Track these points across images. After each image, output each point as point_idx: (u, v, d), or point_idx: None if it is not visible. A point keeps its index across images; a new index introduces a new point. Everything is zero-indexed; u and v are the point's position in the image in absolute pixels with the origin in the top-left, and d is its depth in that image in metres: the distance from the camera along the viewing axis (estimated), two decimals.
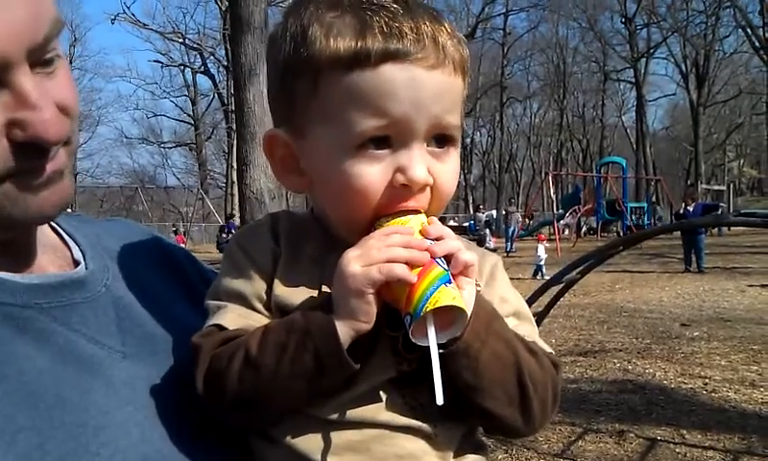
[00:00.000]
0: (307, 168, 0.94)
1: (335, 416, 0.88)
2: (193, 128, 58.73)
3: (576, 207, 31.75)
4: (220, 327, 0.91)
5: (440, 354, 0.81)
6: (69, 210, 1.04)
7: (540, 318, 4.07)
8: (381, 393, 0.89)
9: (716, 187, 45.11)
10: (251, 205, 8.25)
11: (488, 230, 29.61)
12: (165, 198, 59.23)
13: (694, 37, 47.67)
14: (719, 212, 20.76)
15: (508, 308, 0.99)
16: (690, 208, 19.09)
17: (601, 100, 62.36)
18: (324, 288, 0.91)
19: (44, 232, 0.98)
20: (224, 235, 28.44)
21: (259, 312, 0.93)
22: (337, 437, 0.88)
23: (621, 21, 53.32)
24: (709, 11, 46.57)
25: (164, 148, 63.81)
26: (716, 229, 27.99)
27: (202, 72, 53.77)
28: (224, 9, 34.37)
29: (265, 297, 0.93)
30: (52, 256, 0.97)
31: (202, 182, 54.97)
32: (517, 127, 68.40)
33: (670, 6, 48.82)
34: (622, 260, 16.87)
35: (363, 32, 0.84)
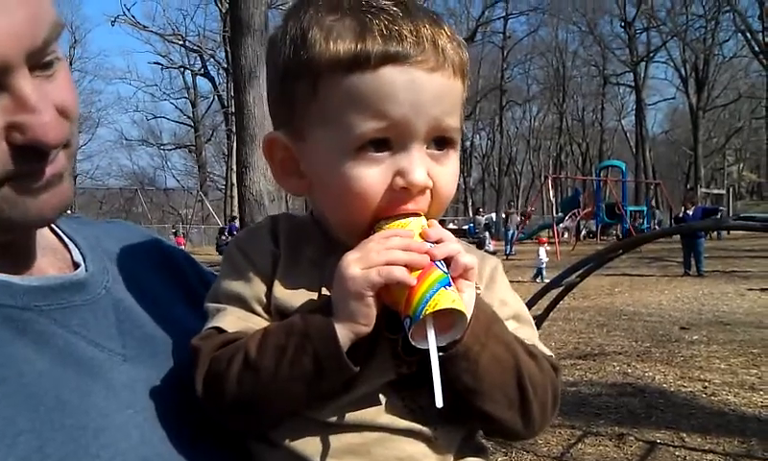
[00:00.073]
0: (307, 171, 0.94)
1: (335, 419, 0.88)
2: (193, 130, 58.80)
3: (575, 211, 31.82)
4: (219, 330, 0.91)
5: (439, 357, 0.81)
6: (69, 212, 1.04)
7: (539, 321, 4.07)
8: (381, 396, 0.89)
9: (716, 191, 45.14)
10: (250, 207, 8.26)
11: (487, 233, 29.62)
12: (165, 200, 59.23)
13: (694, 42, 47.78)
14: (719, 216, 20.79)
15: (508, 311, 0.99)
16: (690, 212, 19.11)
17: (600, 104, 62.51)
18: (324, 291, 0.91)
19: (44, 234, 0.98)
20: (223, 237, 28.46)
21: (259, 315, 0.93)
22: (337, 440, 0.88)
23: (621, 25, 53.50)
24: (709, 15, 46.70)
25: (164, 150, 63.98)
26: (716, 232, 28.03)
27: (202, 74, 53.92)
28: (224, 11, 34.45)
29: (264, 299, 0.93)
30: (52, 259, 0.97)
31: (201, 185, 55.02)
32: (517, 130, 68.61)
33: (670, 10, 49.02)
34: (622, 264, 16.87)
35: (363, 34, 0.84)
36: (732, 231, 27.87)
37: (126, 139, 64.67)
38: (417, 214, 0.90)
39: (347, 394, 0.87)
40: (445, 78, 0.88)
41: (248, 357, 0.86)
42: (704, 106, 47.69)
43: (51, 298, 0.88)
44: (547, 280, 6.55)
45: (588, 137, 65.65)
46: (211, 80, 53.38)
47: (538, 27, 59.39)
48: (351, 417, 0.88)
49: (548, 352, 0.98)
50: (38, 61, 0.80)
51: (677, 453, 5.36)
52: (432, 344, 0.81)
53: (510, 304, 1.01)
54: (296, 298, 0.92)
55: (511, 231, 28.20)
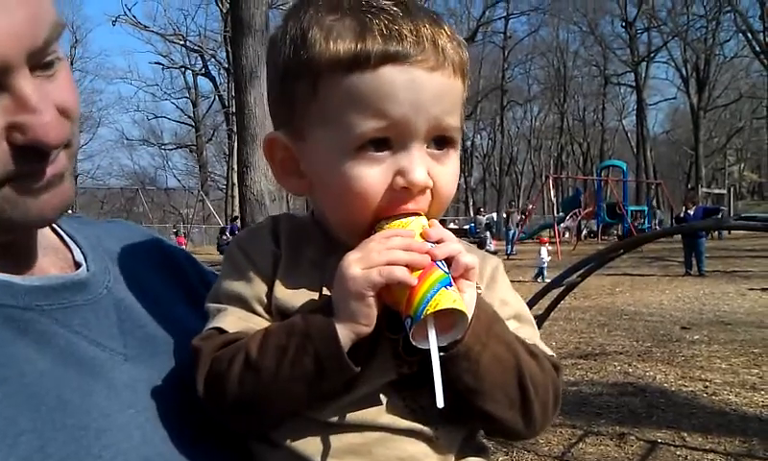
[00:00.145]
0: (307, 171, 0.94)
1: (336, 419, 0.88)
2: (194, 130, 58.81)
3: (576, 211, 31.78)
4: (220, 331, 0.91)
5: (440, 357, 0.81)
6: (70, 212, 1.04)
7: (540, 321, 4.06)
8: (382, 396, 0.89)
9: (717, 191, 45.11)
10: (251, 207, 8.27)
11: (488, 233, 29.61)
12: (166, 199, 59.29)
13: (695, 42, 47.74)
14: (720, 216, 20.79)
15: (509, 311, 0.99)
16: (691, 212, 19.11)
17: (601, 103, 62.48)
18: (325, 291, 0.91)
19: (45, 234, 0.98)
20: (224, 237, 28.47)
21: (260, 315, 0.93)
22: (338, 440, 0.88)
23: (622, 25, 53.47)
24: (710, 15, 46.66)
25: (165, 150, 63.92)
26: (717, 232, 28.01)
27: (203, 74, 53.93)
28: (225, 11, 34.41)
29: (265, 300, 0.93)
30: (53, 258, 0.97)
31: (202, 184, 55.05)
32: (518, 130, 68.58)
33: (671, 10, 48.96)
34: (623, 263, 16.86)
35: (363, 34, 0.84)
36: (732, 231, 27.87)
37: (127, 139, 64.77)
38: (417, 214, 0.90)
39: (348, 394, 0.87)
40: (445, 77, 0.87)
41: (249, 358, 0.86)
42: (705, 106, 47.65)
43: (52, 297, 0.88)
44: (548, 280, 6.55)
45: (588, 137, 65.61)
46: (212, 80, 53.43)
47: (538, 27, 59.40)
48: (352, 417, 0.88)
49: (549, 352, 0.98)
50: (39, 61, 0.80)
51: (678, 453, 5.36)
52: (433, 344, 0.81)
53: (511, 304, 1.01)
54: (296, 298, 0.92)
55: (512, 231, 28.20)
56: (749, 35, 43.35)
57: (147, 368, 0.92)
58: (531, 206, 36.49)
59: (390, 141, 0.87)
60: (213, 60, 49.52)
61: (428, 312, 0.79)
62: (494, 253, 15.54)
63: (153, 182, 63.45)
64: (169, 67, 56.54)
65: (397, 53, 0.84)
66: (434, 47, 0.86)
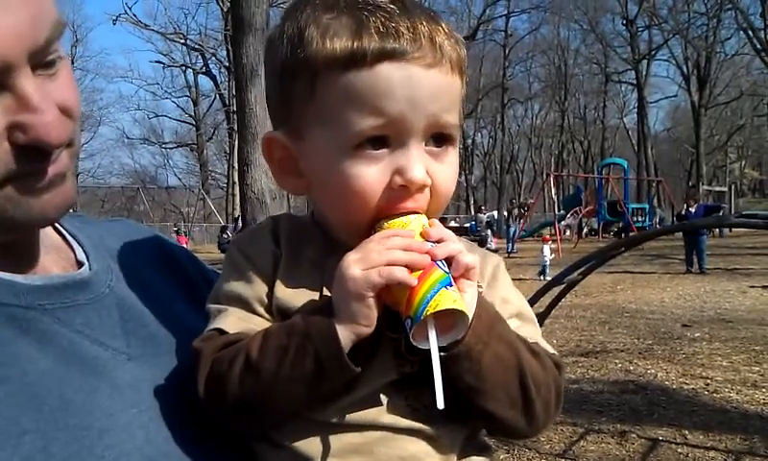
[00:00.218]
0: (306, 170, 0.94)
1: (337, 419, 0.88)
2: (194, 128, 58.78)
3: (577, 208, 31.77)
4: (221, 331, 0.91)
5: (441, 357, 0.81)
6: (71, 211, 1.04)
7: (541, 319, 4.06)
8: (383, 395, 0.89)
9: (718, 189, 45.00)
10: (252, 205, 8.27)
11: (489, 231, 29.59)
12: (166, 198, 59.24)
13: (695, 39, 47.61)
14: (721, 213, 20.75)
15: (510, 309, 0.98)
16: (692, 210, 19.11)
17: (602, 101, 62.38)
18: (326, 291, 0.91)
19: (47, 233, 0.98)
20: (225, 235, 28.49)
21: (260, 315, 0.93)
22: (340, 440, 0.88)
23: (622, 23, 53.31)
24: (711, 13, 46.54)
25: (166, 148, 63.92)
26: (718, 230, 27.99)
27: (203, 73, 53.89)
28: (225, 10, 34.43)
29: (266, 300, 0.93)
30: (55, 257, 0.97)
31: (203, 183, 55.08)
32: (519, 128, 68.44)
33: (671, 8, 48.83)
34: (624, 261, 16.84)
35: (359, 32, 0.84)
36: (733, 229, 27.79)
37: (127, 138, 64.81)
38: (417, 213, 0.89)
39: (349, 394, 0.87)
40: (443, 74, 0.87)
41: (249, 359, 0.86)
42: (706, 103, 47.53)
43: (54, 297, 0.88)
44: (549, 278, 6.55)
45: (589, 135, 65.50)
46: (213, 78, 53.37)
47: (539, 25, 59.30)
48: (354, 417, 0.88)
49: (551, 350, 0.98)
50: (41, 61, 0.80)
51: (679, 450, 5.36)
52: (433, 345, 0.80)
53: (512, 302, 1.00)
54: (297, 298, 0.91)
55: (512, 229, 28.18)
56: (750, 32, 43.25)
57: (150, 367, 0.92)
58: (532, 201, 36.47)
59: (388, 139, 0.87)
60: (214, 58, 49.58)
61: (428, 313, 0.79)
62: (495, 251, 15.52)
63: (153, 181, 63.46)
64: (170, 66, 56.60)
65: (394, 50, 0.84)
66: (431, 44, 0.86)
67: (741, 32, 45.49)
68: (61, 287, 0.90)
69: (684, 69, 50.50)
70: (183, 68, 56.59)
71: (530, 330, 0.99)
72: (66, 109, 0.83)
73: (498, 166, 59.54)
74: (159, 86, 74.27)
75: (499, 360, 0.87)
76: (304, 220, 1.03)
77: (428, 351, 0.80)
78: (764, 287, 13.45)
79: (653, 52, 52.62)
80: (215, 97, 55.59)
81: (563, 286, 4.51)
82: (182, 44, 49.45)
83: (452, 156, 0.92)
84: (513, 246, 27.17)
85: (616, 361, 8.26)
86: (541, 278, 15.77)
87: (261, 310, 0.93)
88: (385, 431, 0.88)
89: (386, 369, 0.88)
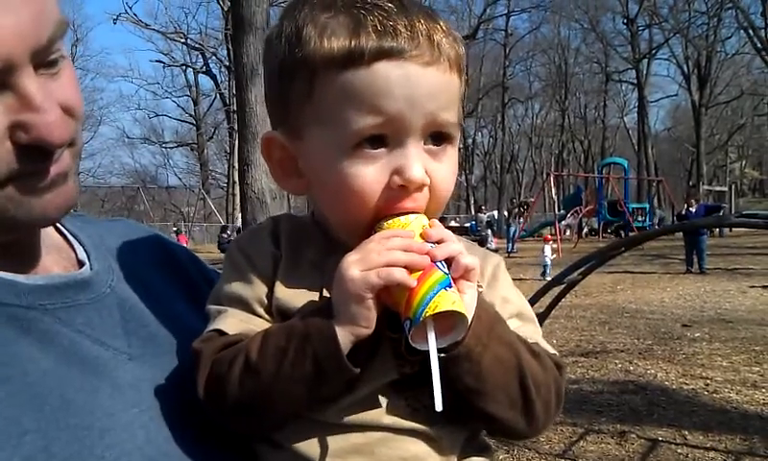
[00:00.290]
0: (305, 170, 0.94)
1: (338, 420, 0.88)
2: (195, 128, 58.78)
3: (578, 208, 31.77)
4: (220, 332, 0.91)
5: (441, 358, 0.80)
6: (72, 211, 1.04)
7: (541, 319, 4.05)
8: (383, 396, 0.88)
9: (718, 188, 45.01)
10: (252, 205, 8.26)
11: (489, 231, 29.58)
12: (167, 198, 59.25)
13: (696, 38, 47.59)
14: (721, 213, 20.75)
15: (510, 309, 0.98)
16: (692, 209, 19.13)
17: (603, 101, 62.37)
18: (325, 292, 0.90)
19: (48, 233, 0.98)
20: (225, 235, 28.49)
21: (260, 316, 0.93)
22: (340, 440, 0.87)
23: (623, 22, 53.31)
24: (711, 12, 46.51)
25: (166, 148, 63.95)
26: (718, 230, 27.98)
27: (203, 72, 53.88)
28: (226, 9, 34.38)
29: (266, 301, 0.93)
30: (56, 257, 0.97)
31: (203, 183, 55.08)
32: (519, 127, 68.45)
33: (672, 7, 48.82)
34: (624, 261, 16.85)
35: (357, 30, 0.84)
36: (734, 229, 27.79)
37: (128, 137, 64.82)
38: (417, 213, 0.89)
39: (349, 394, 0.87)
40: (441, 72, 0.87)
41: (249, 360, 0.85)
42: (706, 103, 47.52)
43: (56, 296, 0.88)
44: (549, 278, 6.55)
45: (590, 135, 65.48)
46: (213, 78, 53.38)
47: (540, 24, 59.29)
48: (354, 418, 0.88)
49: (552, 350, 0.98)
50: (43, 60, 0.79)
51: (678, 451, 5.36)
52: (432, 346, 0.80)
53: (512, 302, 1.00)
54: (297, 299, 0.91)
55: (513, 229, 28.17)
56: (750, 31, 43.20)
57: (151, 367, 0.92)
58: (532, 201, 36.45)
59: (386, 138, 0.86)
60: (214, 57, 49.55)
61: (427, 314, 0.79)
62: (495, 250, 15.52)
63: (154, 181, 63.48)
64: (170, 65, 56.62)
65: (392, 48, 0.84)
66: (429, 42, 0.85)
67: (742, 31, 45.48)
68: (63, 287, 0.90)
69: (685, 68, 50.49)
70: (184, 68, 56.64)
71: (530, 330, 0.98)
72: (68, 109, 0.83)
73: (498, 166, 59.54)
74: (160, 86, 74.43)
75: (499, 361, 0.87)
76: (304, 220, 1.03)
77: (428, 352, 0.80)
78: (764, 287, 13.46)
79: (653, 51, 52.63)
80: (215, 96, 55.63)
81: (563, 286, 4.51)
82: (183, 43, 49.49)
83: (451, 154, 0.92)
84: (513, 246, 27.17)
85: (616, 361, 8.26)
86: (543, 277, 15.78)
87: (261, 311, 0.93)
88: (386, 432, 0.88)
89: (386, 369, 0.88)
